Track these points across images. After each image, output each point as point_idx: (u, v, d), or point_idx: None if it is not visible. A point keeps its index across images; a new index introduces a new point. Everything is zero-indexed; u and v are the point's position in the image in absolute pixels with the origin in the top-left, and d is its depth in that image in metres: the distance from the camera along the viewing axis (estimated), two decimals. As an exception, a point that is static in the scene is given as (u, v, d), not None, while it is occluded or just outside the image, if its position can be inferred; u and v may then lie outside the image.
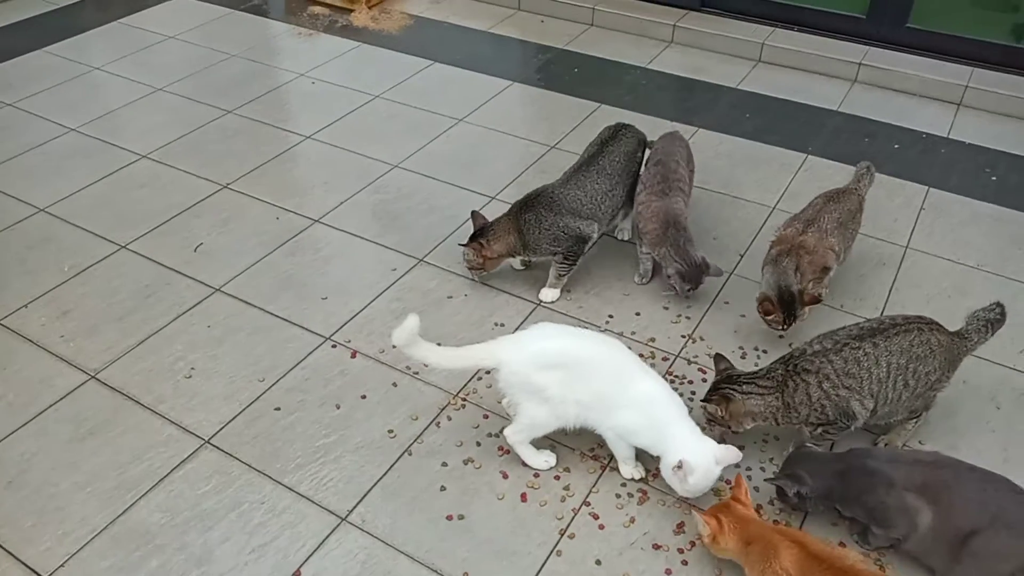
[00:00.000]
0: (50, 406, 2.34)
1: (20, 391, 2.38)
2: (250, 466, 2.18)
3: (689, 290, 2.60)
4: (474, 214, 2.77)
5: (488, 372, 2.38)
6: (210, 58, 4.30)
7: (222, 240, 3.00)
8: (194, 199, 3.22)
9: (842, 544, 1.99)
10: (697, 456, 1.92)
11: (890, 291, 2.78)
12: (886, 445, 2.22)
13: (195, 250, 2.95)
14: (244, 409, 2.34)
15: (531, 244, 2.64)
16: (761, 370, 2.12)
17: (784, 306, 2.40)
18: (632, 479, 2.13)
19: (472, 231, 2.72)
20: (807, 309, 2.44)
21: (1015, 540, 1.77)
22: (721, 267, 2.65)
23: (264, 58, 4.33)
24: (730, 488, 2.03)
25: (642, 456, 2.12)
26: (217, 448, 2.23)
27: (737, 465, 2.15)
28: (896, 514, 1.85)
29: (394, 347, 2.04)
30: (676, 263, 2.57)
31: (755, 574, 1.76)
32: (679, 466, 1.91)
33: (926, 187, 3.30)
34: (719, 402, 2.08)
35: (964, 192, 3.28)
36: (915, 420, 2.19)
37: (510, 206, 2.71)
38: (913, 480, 1.85)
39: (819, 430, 2.10)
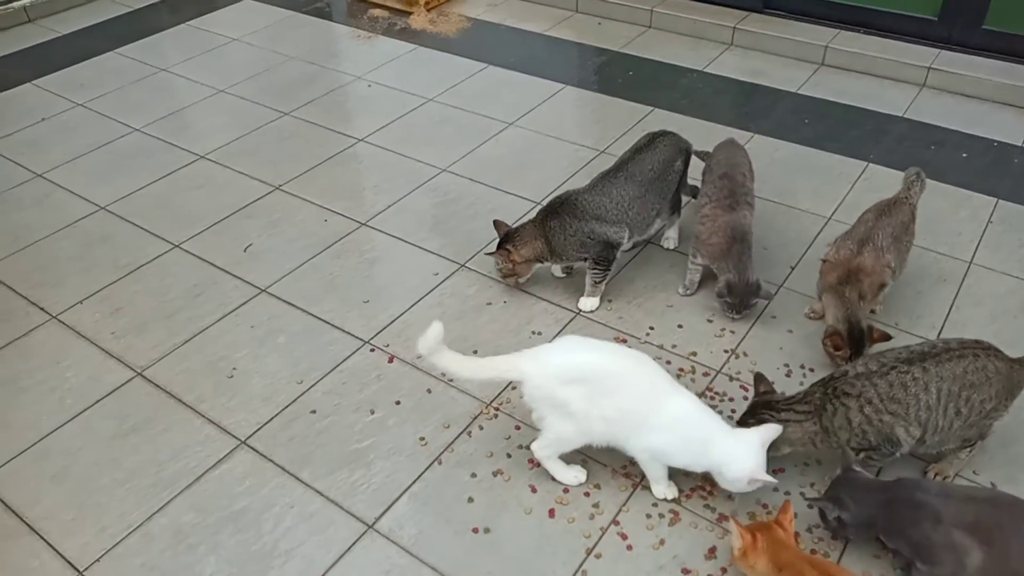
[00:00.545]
0: (97, 402, 2.42)
1: (71, 386, 2.47)
2: (283, 468, 2.21)
3: (731, 305, 2.52)
4: (496, 223, 2.74)
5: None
6: (271, 60, 4.40)
7: (271, 241, 3.06)
8: (247, 200, 3.29)
9: (882, 578, 1.90)
10: (755, 457, 1.89)
11: (950, 309, 2.64)
12: (936, 475, 2.11)
13: (245, 250, 3.01)
14: (281, 411, 2.38)
15: (557, 250, 2.61)
16: (798, 394, 2.04)
17: (854, 343, 2.31)
18: (664, 499, 2.08)
19: (498, 239, 2.70)
20: (875, 346, 2.35)
21: (1073, 587, 1.66)
22: (771, 291, 2.57)
23: (323, 60, 4.39)
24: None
25: (675, 475, 2.07)
26: (253, 449, 2.26)
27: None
28: (942, 551, 1.74)
29: (418, 356, 2.02)
30: (730, 274, 2.50)
31: None
32: (753, 479, 1.90)
33: (995, 199, 3.13)
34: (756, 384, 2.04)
35: (1037, 205, 3.10)
36: (969, 449, 2.08)
37: (536, 213, 2.69)
38: (964, 517, 1.74)
39: (861, 455, 2.01)
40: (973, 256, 2.86)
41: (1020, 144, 3.44)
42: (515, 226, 2.69)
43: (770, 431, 1.92)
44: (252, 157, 3.56)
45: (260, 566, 1.98)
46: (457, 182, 3.36)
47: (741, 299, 2.50)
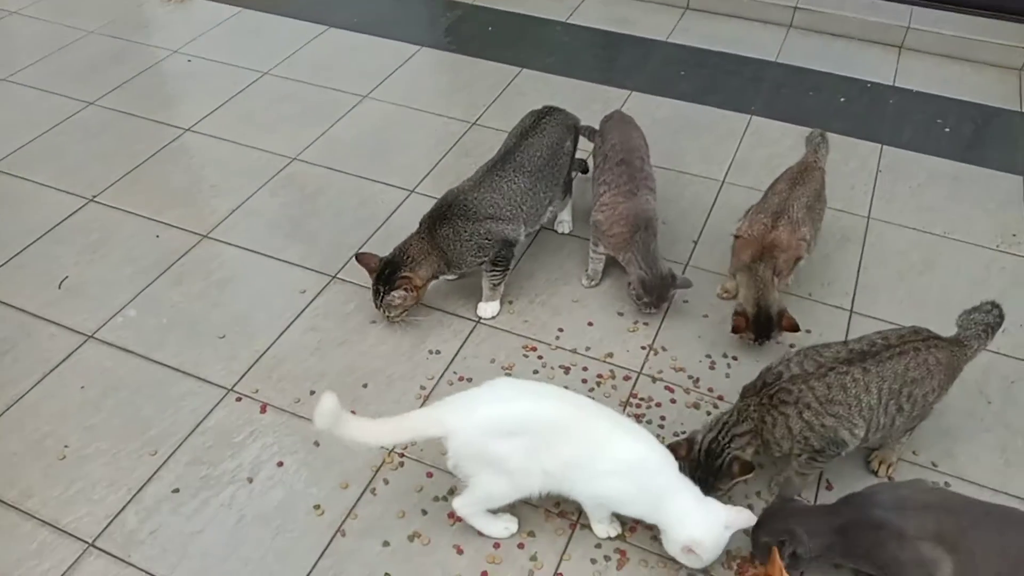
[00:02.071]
0: None
1: None
2: (148, 573, 1.78)
3: (649, 303, 2.29)
4: (361, 257, 2.30)
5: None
6: (64, 36, 3.67)
7: (92, 270, 2.51)
8: (54, 220, 2.69)
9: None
10: (705, 528, 1.65)
11: (858, 272, 2.54)
12: (880, 463, 1.99)
13: (59, 286, 2.46)
14: (135, 495, 1.93)
15: (455, 260, 2.27)
16: (731, 415, 1.83)
17: (759, 327, 2.15)
18: (608, 537, 1.84)
19: (375, 273, 2.25)
20: (782, 334, 2.19)
21: (1045, 584, 1.57)
22: (689, 279, 2.35)
23: (128, 33, 3.71)
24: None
25: (616, 510, 1.83)
26: (105, 552, 1.82)
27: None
28: (914, 569, 1.61)
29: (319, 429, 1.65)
30: (641, 270, 2.26)
31: None
32: (689, 549, 1.65)
33: (879, 145, 3.06)
34: (740, 472, 1.77)
35: (919, 148, 3.05)
36: (910, 432, 1.97)
37: (419, 222, 2.30)
38: (926, 528, 1.61)
39: (804, 457, 1.85)
40: (870, 210, 2.77)
41: (892, 84, 3.39)
42: (397, 249, 2.26)
43: (741, 517, 1.68)
44: (54, 163, 2.93)
45: None
46: (313, 173, 2.91)
47: (659, 295, 2.27)
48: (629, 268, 2.31)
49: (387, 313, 2.27)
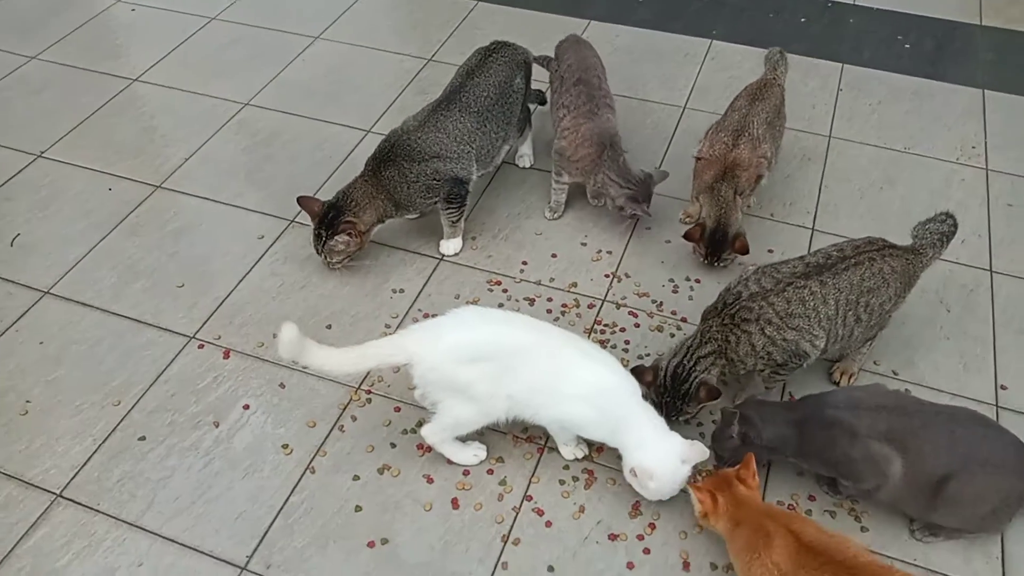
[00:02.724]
0: None
1: None
2: (118, 519, 1.78)
3: (646, 210, 2.27)
4: (303, 200, 2.24)
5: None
6: (-2, -11, 3.53)
7: (44, 227, 2.45)
8: (2, 177, 2.62)
9: (811, 497, 1.80)
10: (658, 458, 1.65)
11: (820, 191, 2.54)
12: (841, 374, 2.02)
13: (12, 244, 2.40)
14: (100, 445, 1.91)
15: (403, 202, 2.22)
16: (695, 338, 1.84)
17: (712, 243, 2.15)
18: (575, 459, 1.86)
19: (317, 217, 2.18)
20: (734, 256, 2.19)
21: (990, 479, 1.62)
22: (665, 171, 2.33)
23: (67, -17, 3.57)
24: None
25: (583, 433, 1.84)
26: (73, 502, 1.81)
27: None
28: (865, 466, 1.65)
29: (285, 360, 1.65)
30: (623, 188, 2.24)
31: (741, 563, 1.53)
32: (633, 472, 1.66)
33: (840, 64, 3.04)
34: (707, 397, 1.78)
35: (879, 65, 3.03)
36: (870, 343, 1.99)
37: (365, 164, 2.24)
38: (877, 428, 1.64)
39: (768, 372, 1.87)
40: (831, 129, 2.76)
41: (852, 3, 3.35)
42: (340, 192, 2.21)
43: (695, 451, 1.67)
44: (-3, 120, 2.85)
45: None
46: (266, 117, 2.84)
47: (647, 198, 2.25)
48: (607, 191, 2.28)
49: (328, 259, 2.23)
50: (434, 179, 2.20)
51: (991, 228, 2.42)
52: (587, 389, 1.68)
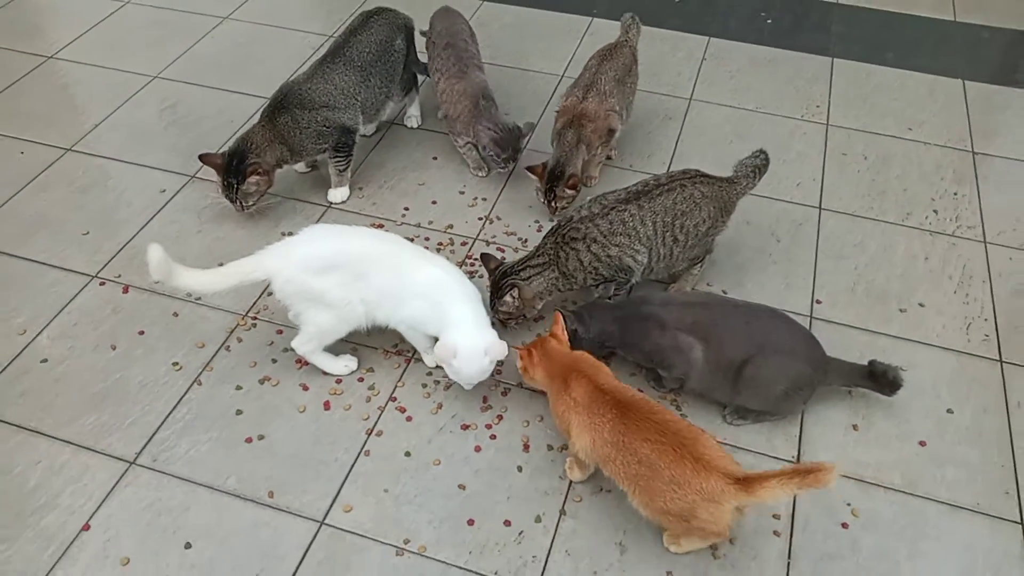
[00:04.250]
0: None
1: None
2: (20, 426, 1.97)
3: (506, 159, 2.51)
4: (203, 157, 2.41)
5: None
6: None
7: (-44, 185, 2.63)
8: (-84, 143, 2.78)
9: (639, 391, 2.05)
10: (465, 340, 1.86)
11: (676, 144, 2.83)
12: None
13: (-77, 201, 2.57)
14: (5, 367, 2.10)
15: (296, 147, 2.44)
16: (532, 251, 2.11)
17: (550, 177, 2.39)
18: (437, 366, 2.09)
19: (222, 168, 2.37)
20: (568, 192, 2.41)
21: (781, 361, 1.89)
22: (532, 123, 2.59)
23: (-14, -30, 3.73)
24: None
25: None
26: (-24, 415, 1.99)
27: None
28: (671, 353, 1.91)
29: (156, 282, 1.85)
30: (490, 131, 2.48)
31: (553, 404, 1.78)
32: (443, 347, 1.86)
33: (707, 37, 3.34)
34: (511, 294, 2.05)
35: (742, 38, 3.35)
36: (699, 265, 2.26)
37: (260, 114, 2.46)
38: (684, 321, 1.91)
39: (600, 287, 2.14)
40: (692, 92, 3.06)
41: (723, -16, 3.67)
42: (239, 140, 2.39)
43: (499, 347, 1.87)
44: (-87, 92, 3.00)
45: (11, 530, 1.77)
46: (173, 88, 3.04)
47: (510, 150, 2.50)
48: (479, 139, 2.52)
49: (244, 203, 2.43)
50: (324, 126, 2.43)
51: (825, 173, 2.73)
52: (424, 288, 1.91)
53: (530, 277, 2.06)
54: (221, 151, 2.43)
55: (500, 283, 2.06)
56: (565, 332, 1.87)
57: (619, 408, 1.64)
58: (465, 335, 1.86)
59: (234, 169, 2.37)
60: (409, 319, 1.97)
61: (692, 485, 1.52)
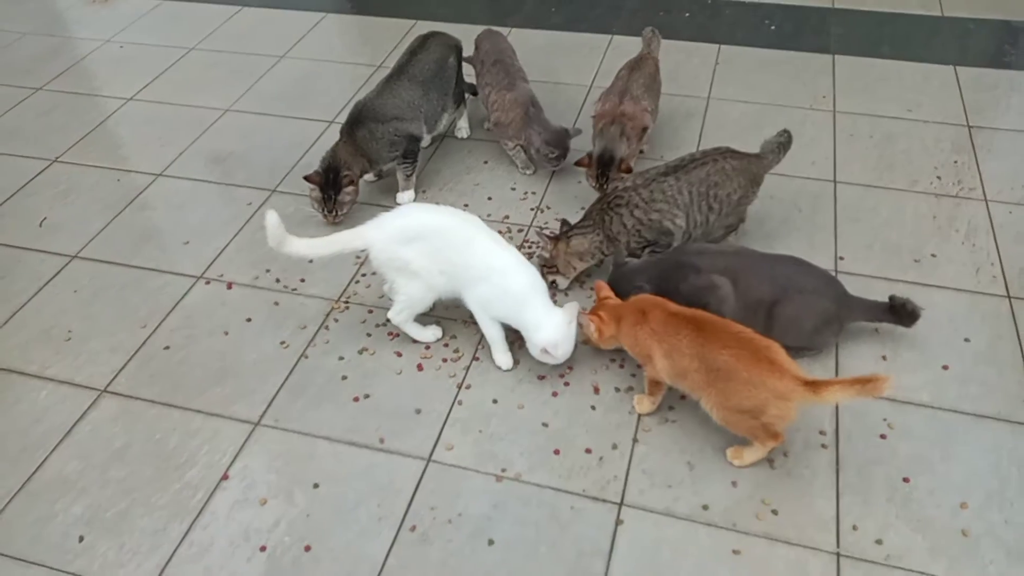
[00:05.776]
0: (-71, 394, 2.31)
1: None
2: (154, 401, 2.26)
3: (557, 156, 2.82)
4: (307, 177, 2.69)
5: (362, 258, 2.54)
6: (1, 39, 4.07)
7: (66, 211, 2.96)
8: (24, 179, 3.13)
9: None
10: (553, 328, 2.12)
11: (700, 137, 3.15)
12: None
13: (40, 225, 2.90)
14: (133, 355, 2.40)
15: (375, 156, 2.78)
16: (583, 217, 2.44)
17: (601, 165, 2.70)
18: (504, 368, 2.27)
19: (320, 185, 2.68)
20: (623, 175, 2.69)
21: (807, 300, 2.17)
22: (579, 128, 2.91)
23: (61, 31, 4.15)
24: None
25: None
26: (116, 394, 2.29)
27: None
28: (706, 293, 2.17)
29: (271, 247, 2.18)
30: (541, 135, 2.81)
31: (633, 342, 2.06)
32: (545, 350, 2.12)
33: (718, 45, 3.69)
34: (548, 243, 2.39)
35: (750, 44, 3.69)
36: (733, 233, 2.56)
37: (339, 134, 2.80)
38: (716, 265, 2.20)
39: (645, 252, 2.44)
40: (710, 92, 3.39)
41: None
42: (327, 158, 2.70)
43: (572, 310, 2.13)
44: (14, 139, 3.36)
45: (160, 483, 2.05)
46: (245, 119, 3.40)
47: (562, 146, 2.82)
48: (532, 140, 2.84)
49: (339, 212, 2.72)
50: (396, 136, 2.77)
51: (836, 152, 3.03)
52: (492, 272, 2.16)
53: (572, 235, 2.39)
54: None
55: (556, 239, 2.43)
56: (607, 287, 2.18)
57: (694, 324, 1.93)
58: (548, 325, 2.12)
59: (332, 183, 2.69)
60: (480, 300, 2.21)
61: (767, 384, 1.80)
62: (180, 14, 4.22)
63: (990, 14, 3.85)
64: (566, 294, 2.51)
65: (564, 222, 2.50)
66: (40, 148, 3.28)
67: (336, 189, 2.69)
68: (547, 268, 2.45)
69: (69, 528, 1.97)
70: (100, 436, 2.17)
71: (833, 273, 2.52)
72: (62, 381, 2.33)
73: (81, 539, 1.95)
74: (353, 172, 2.72)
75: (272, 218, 2.12)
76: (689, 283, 2.19)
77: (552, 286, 2.46)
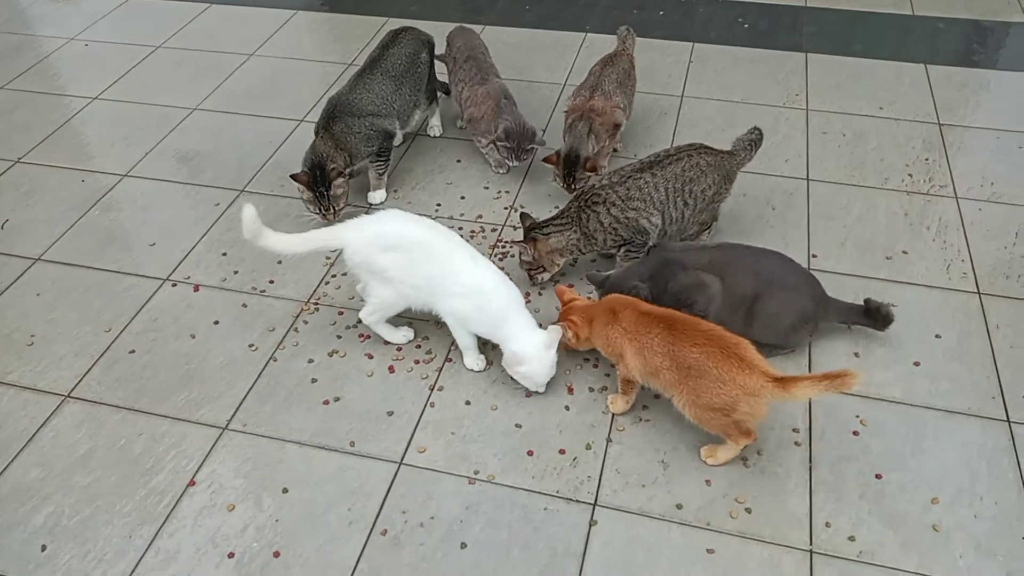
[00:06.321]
0: None
1: None
2: (119, 407, 2.21)
3: (513, 151, 2.77)
4: (293, 176, 2.64)
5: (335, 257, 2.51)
6: (-40, 38, 3.98)
7: (29, 213, 2.89)
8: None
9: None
10: (527, 346, 2.06)
11: (673, 135, 3.14)
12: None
13: (2, 227, 2.83)
14: (98, 359, 2.34)
15: (353, 151, 2.73)
16: (559, 213, 2.41)
17: (568, 164, 2.67)
18: (476, 370, 2.25)
19: (308, 184, 2.60)
20: (588, 174, 2.68)
21: (787, 297, 2.17)
22: (544, 138, 2.86)
23: (23, 29, 4.05)
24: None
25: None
26: (80, 399, 2.23)
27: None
28: (694, 290, 2.17)
29: (247, 239, 2.14)
30: (507, 121, 2.76)
31: (605, 341, 2.04)
32: (516, 361, 2.07)
33: (691, 43, 3.69)
34: (527, 244, 2.36)
35: (723, 42, 3.69)
36: (707, 231, 2.56)
37: (316, 130, 2.75)
38: (701, 261, 2.19)
39: (622, 251, 2.42)
40: (683, 91, 3.39)
41: (700, -4, 4.04)
42: (310, 155, 2.63)
43: (554, 334, 2.06)
44: (-24, 137, 3.28)
45: (126, 490, 2.00)
46: (213, 118, 3.34)
47: (519, 143, 2.77)
48: (497, 129, 2.79)
49: (335, 207, 2.63)
50: (371, 130, 2.73)
51: (809, 150, 3.04)
52: (468, 288, 2.10)
53: (550, 234, 2.36)
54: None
55: (527, 235, 2.39)
56: (571, 290, 2.19)
57: (664, 323, 1.92)
58: (524, 342, 2.07)
59: (320, 179, 2.60)
60: (455, 313, 2.17)
61: (736, 381, 1.79)
62: (146, 11, 4.15)
63: (960, 13, 3.89)
64: (544, 289, 2.49)
65: (524, 215, 2.47)
66: (2, 148, 3.20)
67: (326, 184, 2.62)
68: (533, 270, 2.43)
69: (31, 537, 1.92)
70: (63, 442, 2.12)
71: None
72: (24, 387, 2.27)
73: (44, 548, 1.89)
74: (339, 164, 2.66)
75: (249, 211, 2.08)
76: (678, 281, 2.18)
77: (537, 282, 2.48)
